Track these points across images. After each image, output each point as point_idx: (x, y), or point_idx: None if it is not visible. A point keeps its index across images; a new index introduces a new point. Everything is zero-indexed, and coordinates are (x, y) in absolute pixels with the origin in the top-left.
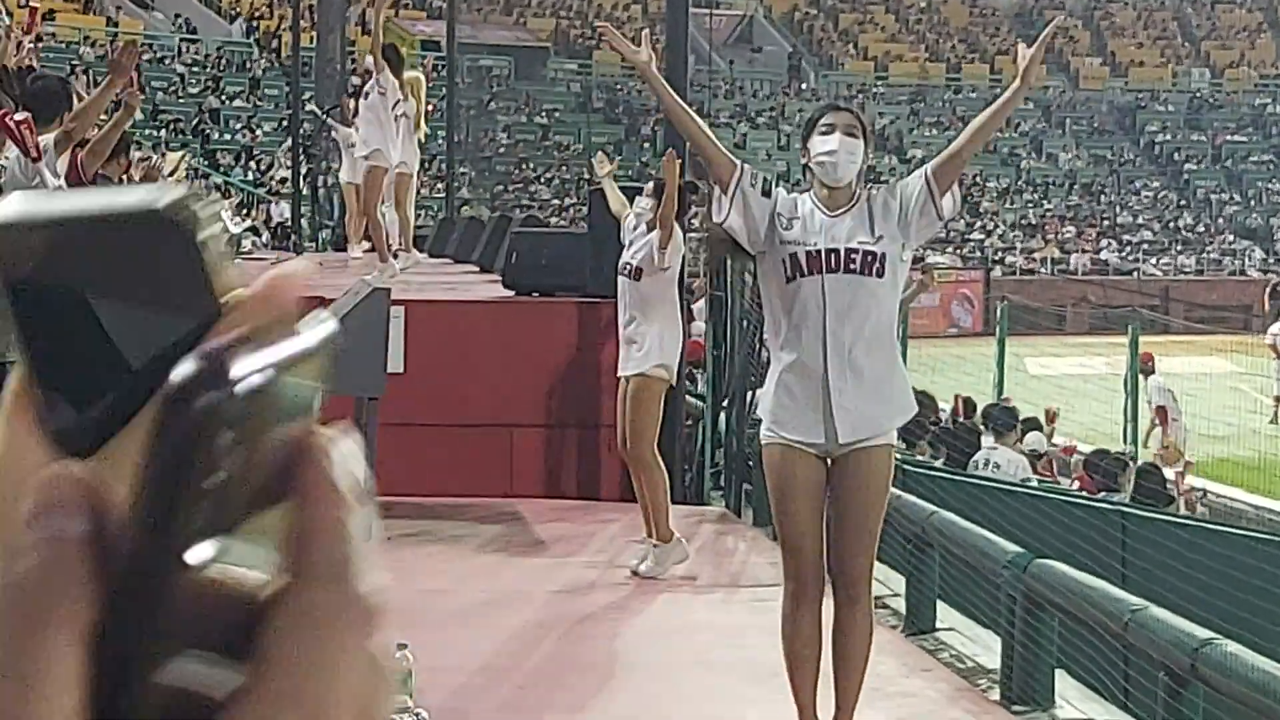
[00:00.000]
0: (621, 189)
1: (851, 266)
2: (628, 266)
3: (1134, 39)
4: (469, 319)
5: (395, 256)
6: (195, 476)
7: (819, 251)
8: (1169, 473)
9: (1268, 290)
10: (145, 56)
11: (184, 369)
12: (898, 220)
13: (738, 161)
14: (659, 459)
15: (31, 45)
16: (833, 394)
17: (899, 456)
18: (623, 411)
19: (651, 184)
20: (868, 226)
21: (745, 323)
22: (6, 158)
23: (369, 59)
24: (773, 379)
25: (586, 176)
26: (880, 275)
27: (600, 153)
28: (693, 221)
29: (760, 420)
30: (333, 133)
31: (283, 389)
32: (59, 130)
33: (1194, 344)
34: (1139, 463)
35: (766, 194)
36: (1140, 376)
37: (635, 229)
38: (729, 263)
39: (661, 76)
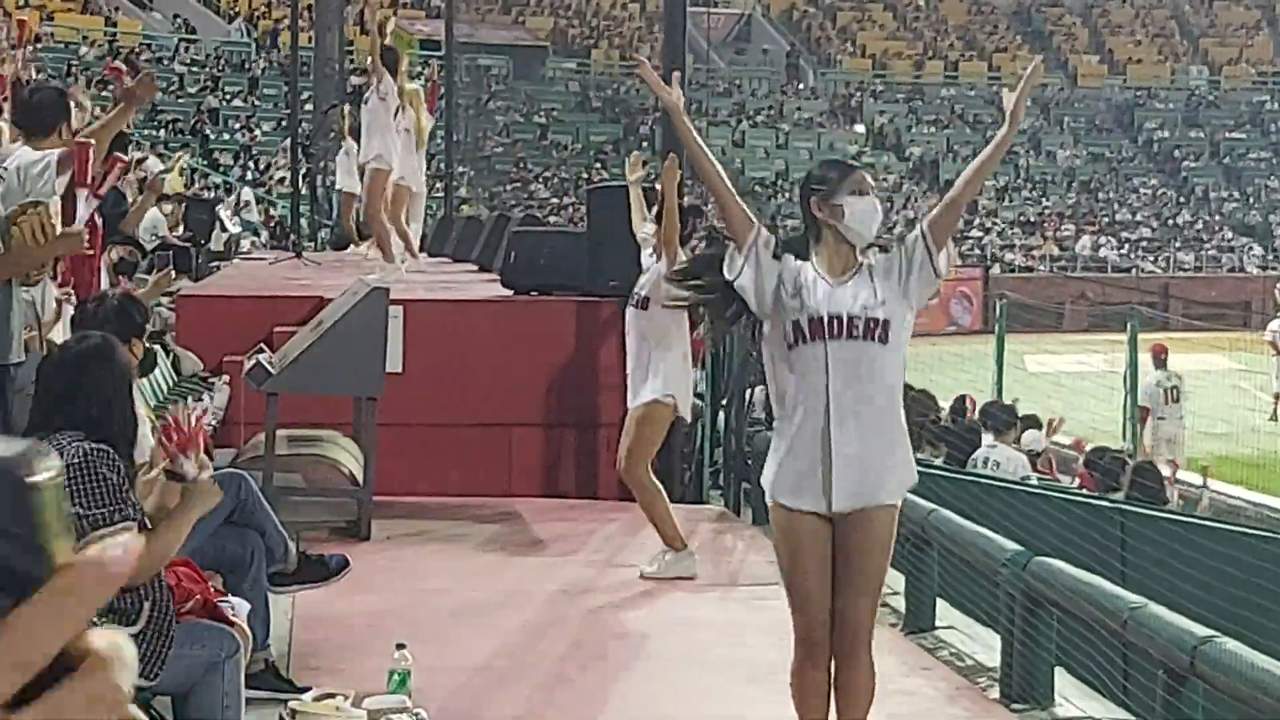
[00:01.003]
0: (621, 188)
1: (854, 333)
2: (636, 296)
3: (1132, 36)
4: (468, 318)
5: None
6: None
7: (823, 318)
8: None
9: (1279, 286)
10: (144, 56)
11: None
12: (899, 282)
13: (755, 220)
14: (652, 478)
15: (25, 55)
16: (834, 459)
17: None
18: (627, 431)
19: (655, 210)
20: (871, 291)
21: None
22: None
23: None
24: (777, 448)
25: (585, 176)
26: (884, 341)
27: (634, 154)
28: (696, 248)
29: (759, 420)
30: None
31: None
32: (64, 150)
33: (1193, 341)
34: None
35: (777, 257)
36: (1154, 369)
37: (650, 255)
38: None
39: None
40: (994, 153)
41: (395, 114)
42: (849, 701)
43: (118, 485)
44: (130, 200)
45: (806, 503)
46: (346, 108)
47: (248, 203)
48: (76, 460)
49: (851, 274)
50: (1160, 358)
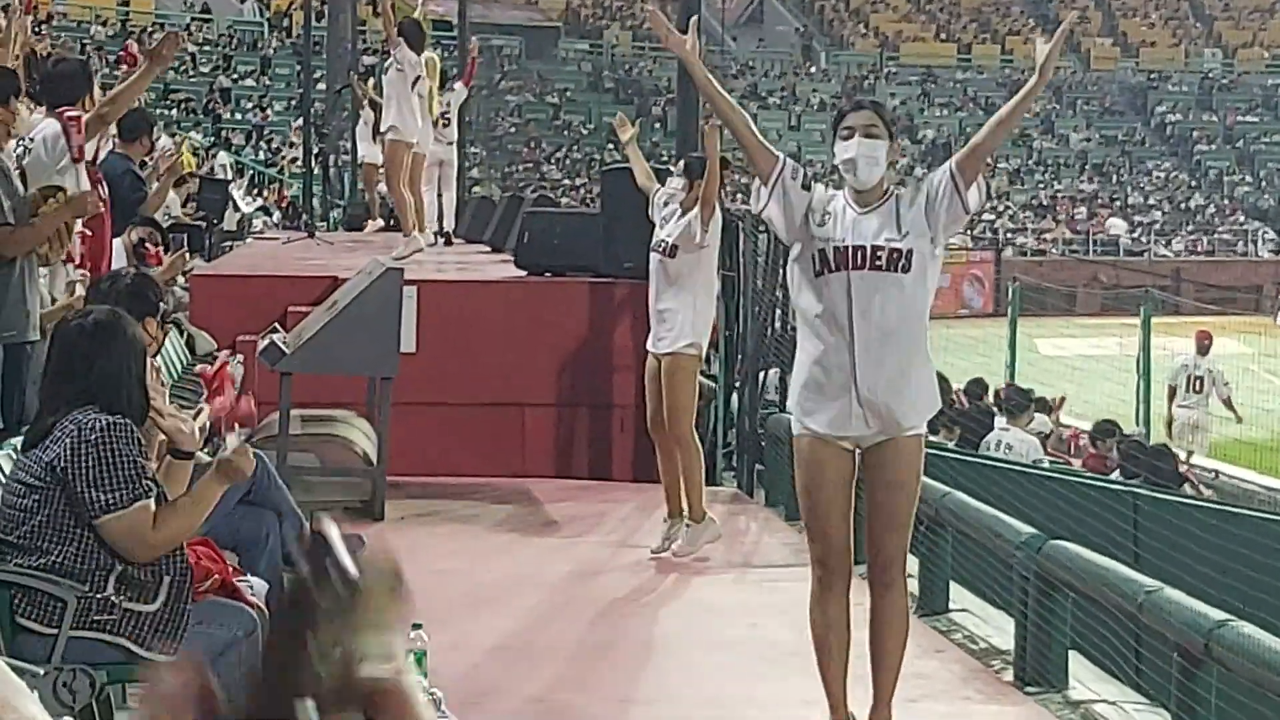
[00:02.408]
0: (633, 171)
1: (878, 263)
2: (663, 244)
3: (1145, 19)
4: (481, 299)
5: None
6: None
7: (846, 248)
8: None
9: None
10: (157, 36)
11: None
12: (925, 215)
13: (779, 154)
14: (696, 437)
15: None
16: (860, 388)
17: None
18: (655, 390)
19: (683, 163)
20: (894, 223)
21: (758, 304)
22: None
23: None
24: (801, 370)
25: (598, 156)
26: (906, 271)
27: (619, 115)
28: (728, 201)
29: (773, 402)
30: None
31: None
32: (91, 114)
33: (1205, 325)
34: (1150, 444)
35: (806, 188)
36: (1192, 354)
37: (667, 206)
38: (740, 244)
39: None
40: (1021, 102)
41: (414, 85)
42: (884, 630)
43: (137, 458)
44: (148, 183)
45: (837, 428)
46: (356, 77)
47: (223, 165)
48: (94, 435)
49: (877, 204)
50: (1204, 344)
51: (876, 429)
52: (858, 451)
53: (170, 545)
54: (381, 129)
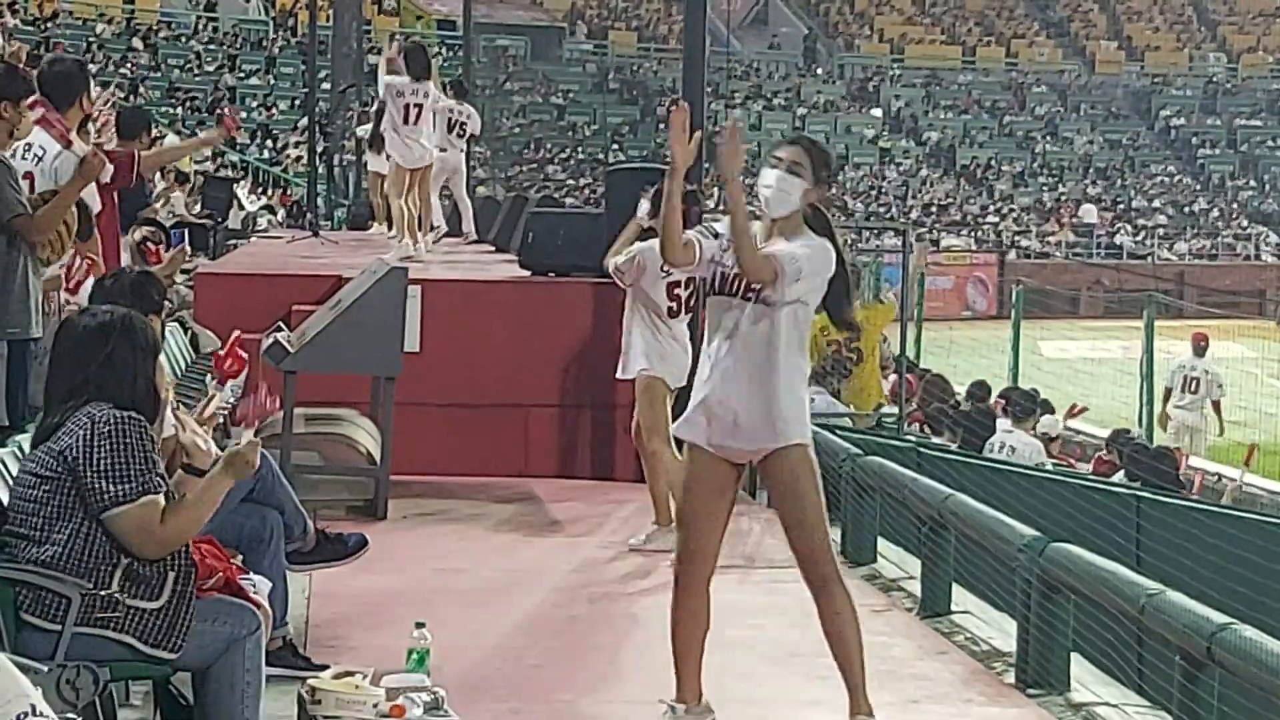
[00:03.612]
0: (638, 170)
1: (746, 295)
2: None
3: (1150, 23)
4: (485, 299)
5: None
6: None
7: (729, 275)
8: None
9: None
10: (162, 34)
11: None
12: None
13: (695, 243)
14: (666, 450)
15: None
16: (723, 407)
17: (915, 439)
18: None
19: (654, 189)
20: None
21: None
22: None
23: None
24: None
25: (602, 157)
26: (768, 304)
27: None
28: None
29: None
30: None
31: None
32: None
33: (1207, 329)
34: (1153, 446)
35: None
36: (1190, 355)
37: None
38: None
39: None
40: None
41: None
42: (833, 627)
43: (148, 453)
44: (150, 186)
45: (706, 440)
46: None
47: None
48: (107, 428)
49: (777, 239)
50: (1200, 345)
51: (746, 446)
52: (747, 464)
53: (178, 541)
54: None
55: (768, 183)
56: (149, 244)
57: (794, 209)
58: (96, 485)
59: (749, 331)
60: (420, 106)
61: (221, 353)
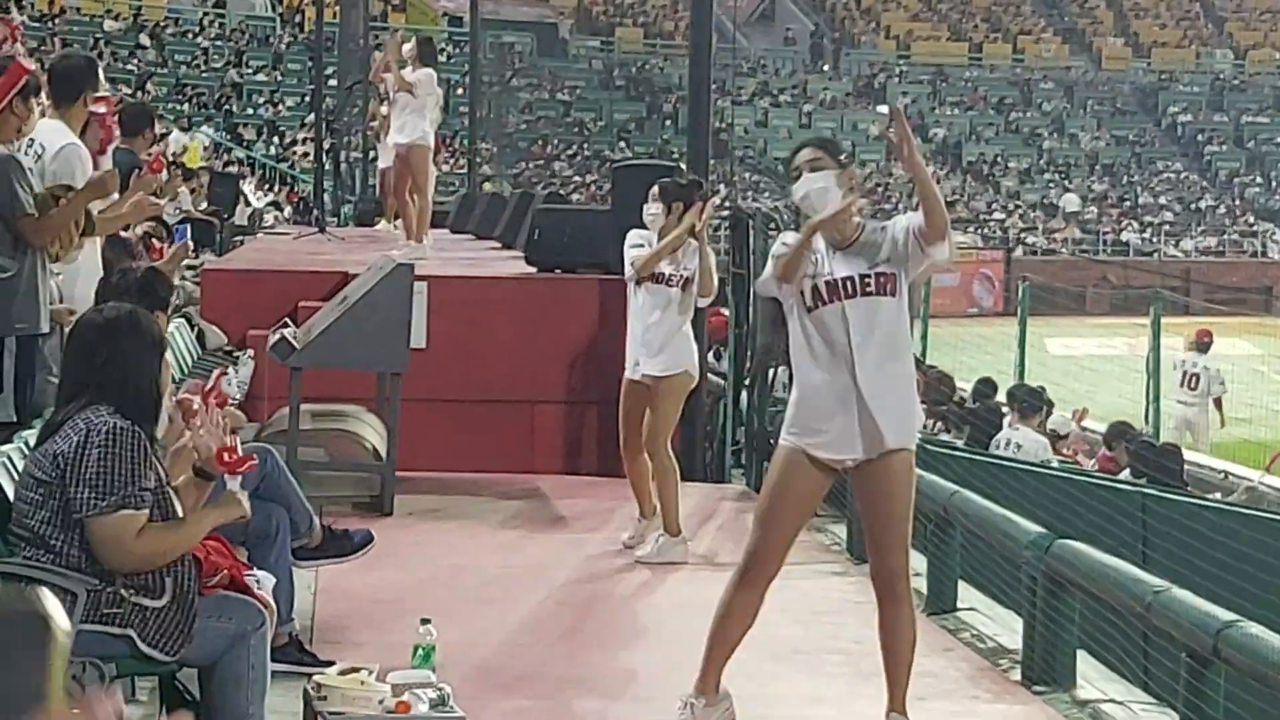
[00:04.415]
0: (645, 166)
1: (868, 289)
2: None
3: (1157, 19)
4: (491, 295)
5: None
6: None
7: (836, 280)
8: None
9: None
10: (169, 30)
11: None
12: (896, 248)
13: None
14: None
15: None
16: (870, 407)
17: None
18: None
19: (657, 188)
20: (874, 252)
21: (767, 302)
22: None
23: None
24: (803, 398)
25: (608, 153)
26: (893, 295)
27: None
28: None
29: (781, 400)
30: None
31: None
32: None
33: (1214, 325)
34: (1160, 443)
35: (787, 245)
36: (1192, 352)
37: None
38: (750, 242)
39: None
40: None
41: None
42: (895, 638)
43: (136, 468)
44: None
45: (836, 451)
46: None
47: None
48: (100, 437)
49: (853, 238)
50: (1203, 342)
51: (892, 442)
52: (842, 471)
53: (150, 562)
54: (397, 139)
55: (802, 192)
56: (153, 240)
57: (837, 198)
58: (79, 494)
59: (881, 326)
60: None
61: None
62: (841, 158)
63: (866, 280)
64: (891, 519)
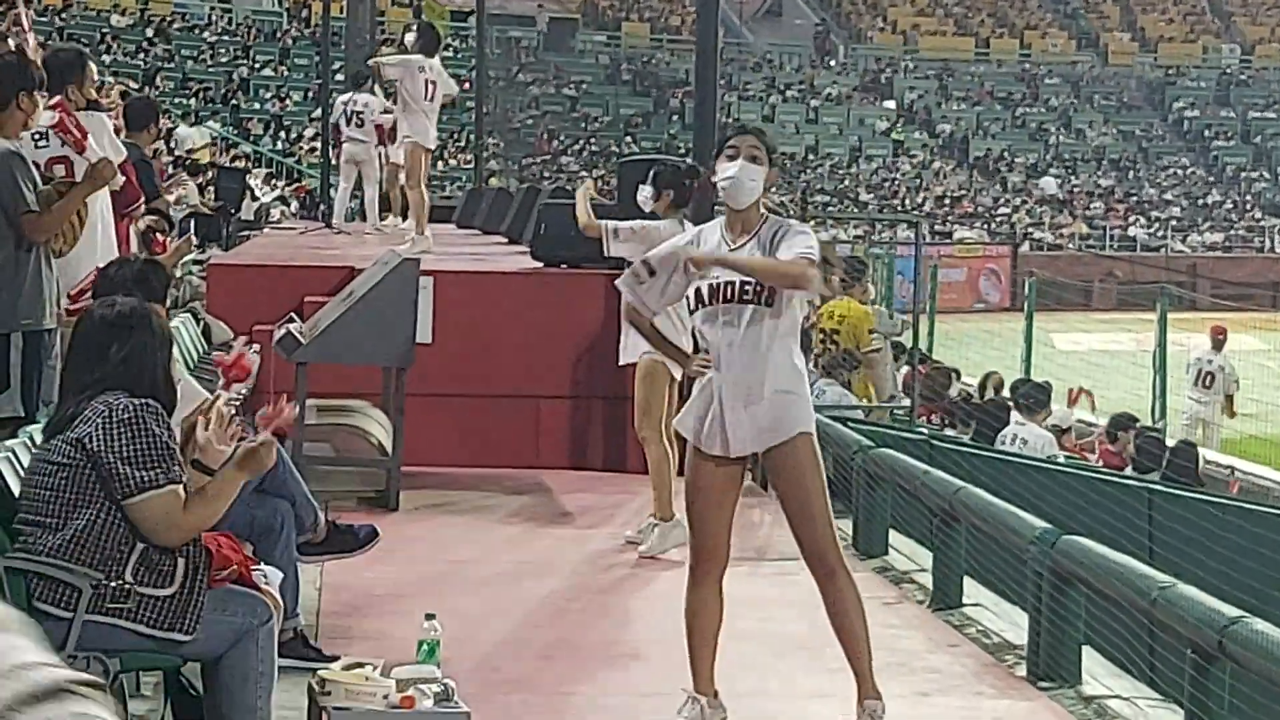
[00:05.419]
0: (651, 161)
1: (745, 297)
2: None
3: (1164, 14)
4: (497, 290)
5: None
6: None
7: (719, 285)
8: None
9: None
10: (175, 25)
11: None
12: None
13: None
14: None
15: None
16: (728, 413)
17: (926, 430)
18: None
19: (652, 173)
20: (764, 255)
21: None
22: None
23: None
24: (694, 390)
25: (615, 148)
26: (770, 304)
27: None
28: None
29: None
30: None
31: None
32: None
33: (1221, 321)
34: (1171, 440)
35: (653, 273)
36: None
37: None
38: None
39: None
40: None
41: (426, 90)
42: (839, 614)
43: (166, 442)
44: (157, 174)
45: (710, 446)
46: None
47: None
48: (127, 415)
49: (749, 237)
50: (1219, 339)
51: (739, 450)
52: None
53: (196, 531)
54: (401, 134)
55: (731, 174)
56: (156, 234)
57: (757, 196)
58: (122, 471)
59: (752, 331)
60: (435, 84)
61: (227, 359)
62: (774, 156)
63: (746, 287)
64: (804, 498)
